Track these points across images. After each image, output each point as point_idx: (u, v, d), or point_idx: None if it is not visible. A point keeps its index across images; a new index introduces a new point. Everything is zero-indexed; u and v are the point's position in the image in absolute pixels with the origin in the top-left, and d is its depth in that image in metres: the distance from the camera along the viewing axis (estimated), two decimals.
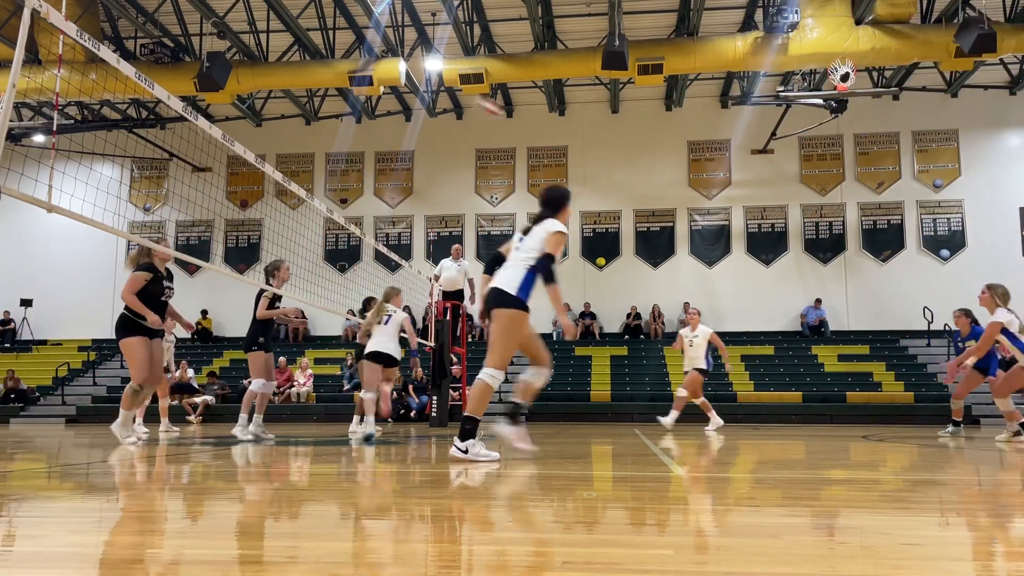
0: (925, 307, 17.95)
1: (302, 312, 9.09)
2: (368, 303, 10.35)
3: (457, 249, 13.17)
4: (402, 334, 8.27)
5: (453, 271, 12.77)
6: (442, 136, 20.81)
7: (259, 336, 8.12)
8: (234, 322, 20.63)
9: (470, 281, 12.98)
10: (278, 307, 8.12)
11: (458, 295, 12.88)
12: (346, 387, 16.99)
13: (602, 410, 15.55)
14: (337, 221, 8.84)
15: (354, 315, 16.92)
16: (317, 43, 16.91)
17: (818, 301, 19.11)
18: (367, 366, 8.03)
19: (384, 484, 3.99)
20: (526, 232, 5.06)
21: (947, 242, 19.16)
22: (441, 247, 19.19)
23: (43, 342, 20.88)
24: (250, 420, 8.11)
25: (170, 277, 7.08)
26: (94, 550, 2.15)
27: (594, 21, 16.88)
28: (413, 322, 12.38)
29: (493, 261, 5.20)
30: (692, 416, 15.30)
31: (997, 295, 8.25)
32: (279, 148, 21.21)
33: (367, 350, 8.05)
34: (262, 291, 8.16)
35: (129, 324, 6.70)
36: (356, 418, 10.08)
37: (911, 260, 19.25)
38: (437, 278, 12.79)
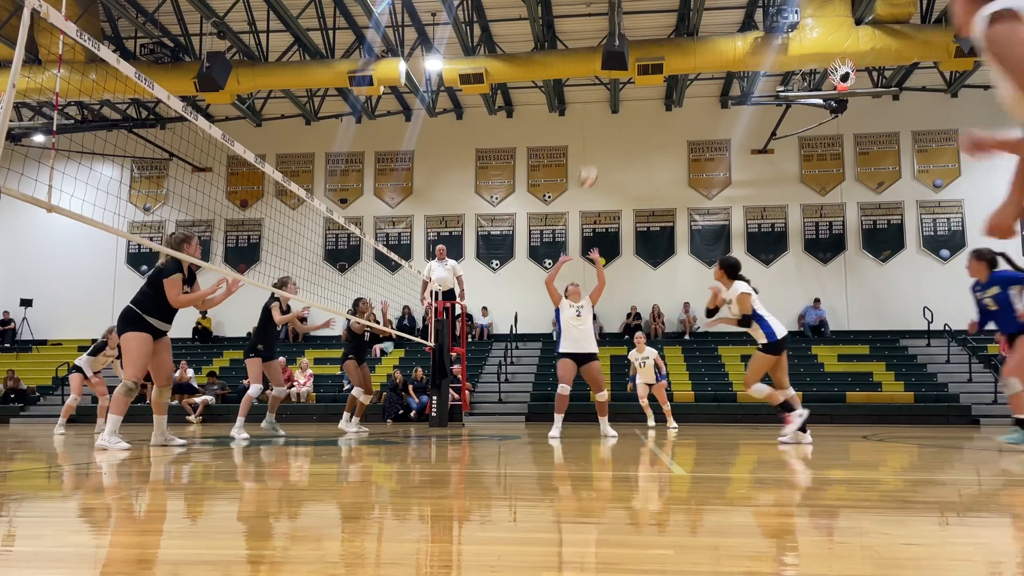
0: (925, 307, 17.95)
1: (307, 315, 9.38)
2: (357, 304, 10.30)
3: (441, 250, 13.30)
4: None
5: (441, 272, 12.85)
6: (442, 136, 20.80)
7: (258, 344, 8.82)
8: (234, 322, 20.64)
9: (459, 279, 13.02)
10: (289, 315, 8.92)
11: (449, 294, 12.92)
12: (346, 387, 16.98)
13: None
14: (337, 221, 8.84)
15: (354, 315, 16.94)
16: (317, 43, 16.90)
17: (817, 301, 19.10)
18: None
19: (384, 484, 3.99)
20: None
21: (947, 242, 19.16)
22: None
23: (43, 342, 20.89)
24: (268, 420, 9.15)
25: (192, 279, 6.69)
26: (94, 550, 2.15)
27: (594, 21, 16.88)
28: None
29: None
30: (692, 417, 15.32)
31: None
32: (279, 148, 21.20)
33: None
34: (270, 301, 8.73)
35: (134, 319, 6.37)
36: (346, 415, 10.22)
37: (911, 260, 19.25)
38: (430, 280, 12.83)
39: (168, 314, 6.54)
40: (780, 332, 6.93)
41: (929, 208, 19.37)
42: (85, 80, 14.24)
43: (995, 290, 6.93)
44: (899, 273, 19.15)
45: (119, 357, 11.39)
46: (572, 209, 20.44)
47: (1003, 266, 7.09)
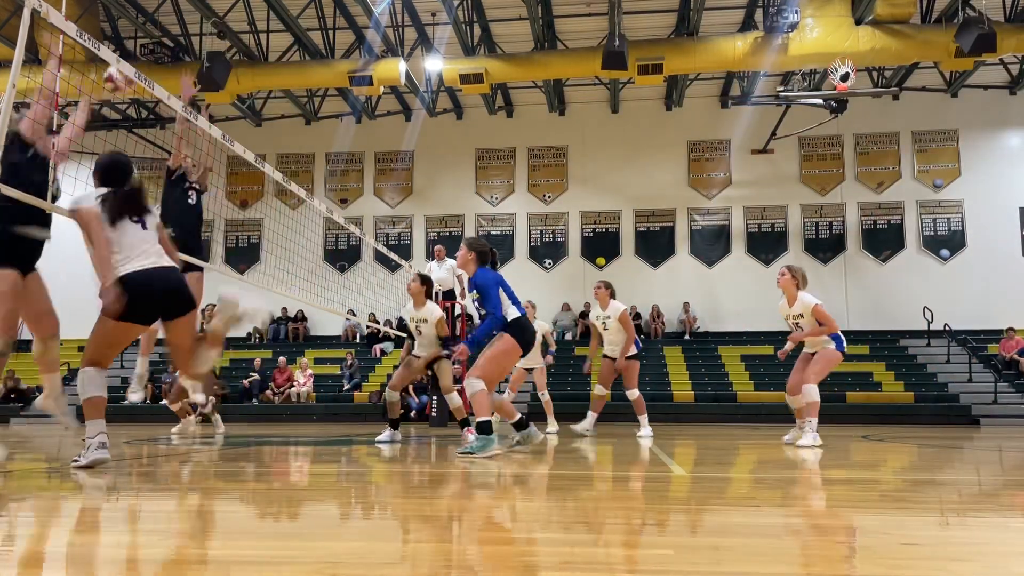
0: (925, 307, 17.95)
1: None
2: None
3: (440, 250, 13.28)
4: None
5: (440, 272, 12.86)
6: (442, 136, 20.80)
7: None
8: None
9: (459, 278, 13.03)
10: None
11: (449, 294, 12.94)
12: (346, 387, 17.01)
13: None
14: (337, 221, 8.85)
15: (354, 315, 16.97)
16: (317, 43, 16.90)
17: None
18: None
19: (384, 484, 3.99)
20: None
21: (947, 242, 19.15)
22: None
23: None
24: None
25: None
26: (94, 550, 2.15)
27: (594, 21, 16.87)
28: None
29: None
30: (692, 417, 15.31)
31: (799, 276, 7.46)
32: (279, 148, 21.19)
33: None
34: None
35: None
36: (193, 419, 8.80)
37: (911, 260, 19.24)
38: None
39: (16, 213, 4.46)
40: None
41: (929, 208, 19.36)
42: (85, 80, 14.23)
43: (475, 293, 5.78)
44: (899, 273, 19.14)
45: None
46: (572, 209, 20.44)
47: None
